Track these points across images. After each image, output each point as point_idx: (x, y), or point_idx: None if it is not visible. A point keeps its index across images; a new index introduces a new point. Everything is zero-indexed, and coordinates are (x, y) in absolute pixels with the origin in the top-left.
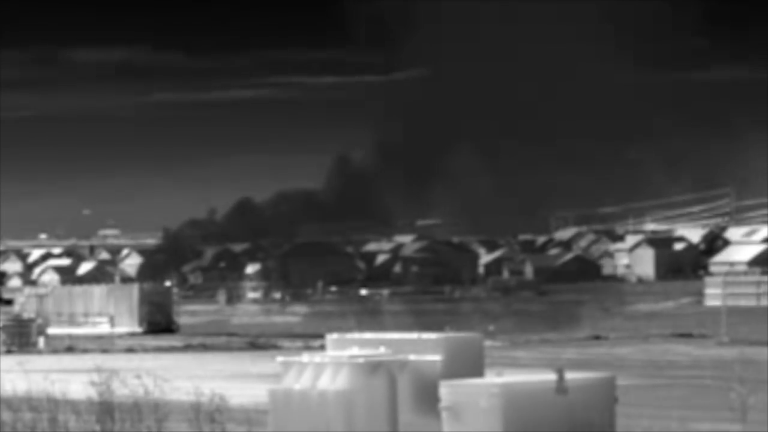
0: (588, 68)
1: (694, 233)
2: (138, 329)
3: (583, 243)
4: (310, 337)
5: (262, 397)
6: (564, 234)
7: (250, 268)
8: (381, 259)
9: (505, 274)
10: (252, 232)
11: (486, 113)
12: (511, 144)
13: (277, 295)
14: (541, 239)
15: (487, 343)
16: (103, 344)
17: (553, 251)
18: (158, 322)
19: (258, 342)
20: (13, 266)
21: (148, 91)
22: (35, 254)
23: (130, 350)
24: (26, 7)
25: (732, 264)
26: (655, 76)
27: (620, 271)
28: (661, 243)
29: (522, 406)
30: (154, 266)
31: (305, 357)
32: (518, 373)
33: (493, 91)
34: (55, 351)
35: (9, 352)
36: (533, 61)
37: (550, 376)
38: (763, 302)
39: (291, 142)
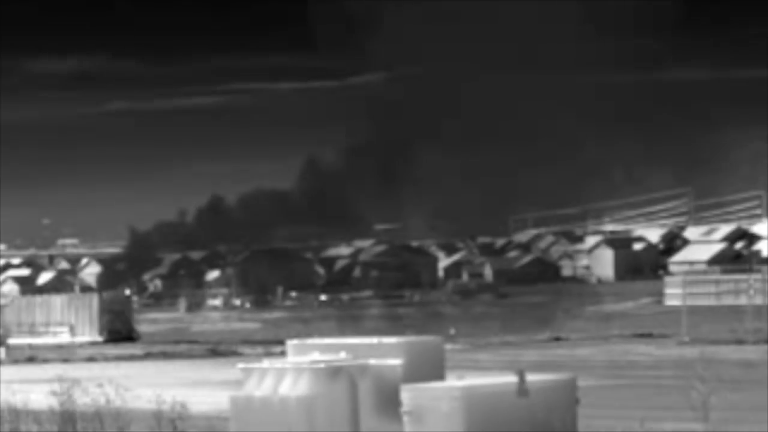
0: (548, 69)
1: (653, 233)
2: (98, 338)
3: (542, 245)
4: (271, 343)
5: (224, 404)
6: (523, 236)
7: (210, 276)
8: (340, 264)
9: (465, 277)
10: (223, 234)
11: (446, 114)
12: (472, 146)
13: (237, 301)
14: (500, 241)
15: (448, 346)
16: (64, 354)
17: (513, 253)
18: (119, 331)
19: (219, 349)
20: None
21: (105, 100)
22: None
23: (91, 359)
24: None
25: (691, 263)
26: (615, 76)
27: (580, 272)
28: (620, 243)
29: (483, 408)
30: (113, 275)
31: (266, 363)
32: (479, 376)
33: (451, 92)
34: (15, 361)
35: None
36: (493, 60)
37: (511, 379)
38: (723, 301)
39: (251, 148)
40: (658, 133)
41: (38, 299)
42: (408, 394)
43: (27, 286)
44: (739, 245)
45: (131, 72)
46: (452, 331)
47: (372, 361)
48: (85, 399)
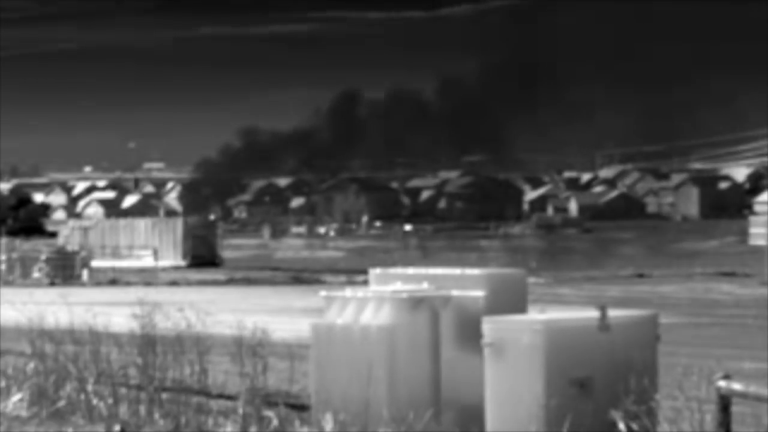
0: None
1: (739, 172)
2: (182, 262)
3: (627, 181)
4: (354, 272)
5: (305, 331)
6: (609, 172)
7: (295, 203)
8: (426, 194)
9: (550, 211)
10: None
11: (550, 50)
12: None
13: (322, 229)
14: (585, 177)
15: (531, 279)
16: (147, 277)
17: (598, 189)
18: (202, 256)
19: (301, 276)
20: (57, 199)
21: (200, 24)
22: (80, 187)
23: (173, 283)
24: None
25: None
26: (707, 12)
27: (665, 209)
28: (706, 182)
29: (564, 342)
30: (199, 200)
31: (348, 291)
32: (561, 310)
33: (555, 28)
34: (98, 283)
35: (52, 284)
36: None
37: (593, 314)
38: None
39: (350, 74)
40: (746, 72)
41: (122, 222)
42: (489, 326)
43: (112, 209)
44: None
45: None
46: (533, 265)
47: (454, 292)
48: (166, 323)
